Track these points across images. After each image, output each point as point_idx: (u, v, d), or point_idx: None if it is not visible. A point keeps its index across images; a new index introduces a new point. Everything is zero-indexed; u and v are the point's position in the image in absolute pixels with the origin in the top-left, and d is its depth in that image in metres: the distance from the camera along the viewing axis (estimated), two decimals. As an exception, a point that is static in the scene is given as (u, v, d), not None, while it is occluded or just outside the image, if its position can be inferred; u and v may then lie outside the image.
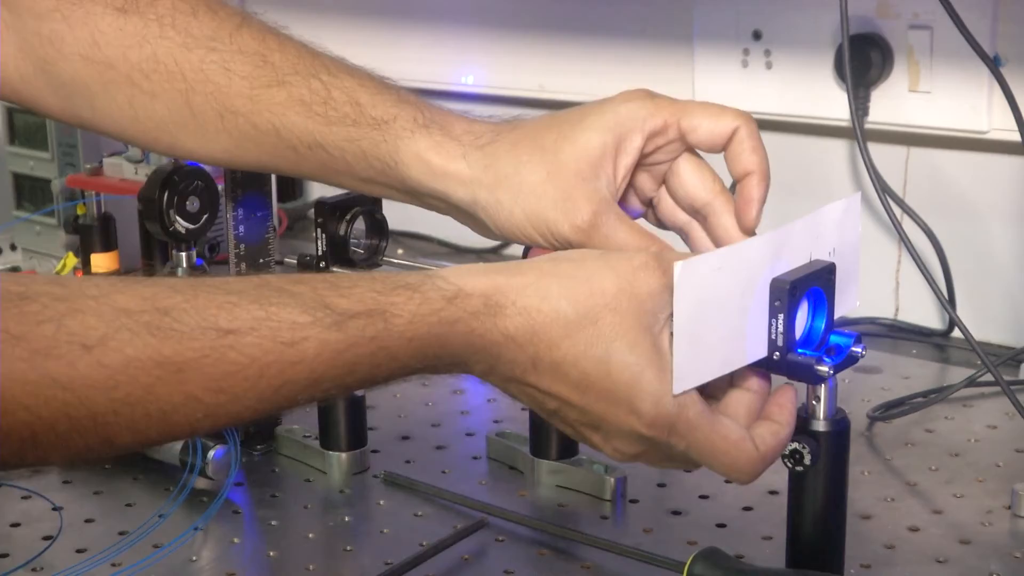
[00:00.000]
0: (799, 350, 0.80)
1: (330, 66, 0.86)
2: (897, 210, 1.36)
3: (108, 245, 1.44)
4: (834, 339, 0.82)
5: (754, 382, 0.78)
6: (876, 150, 1.34)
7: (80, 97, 0.90)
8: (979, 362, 1.18)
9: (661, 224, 0.87)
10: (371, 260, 1.06)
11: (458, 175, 0.82)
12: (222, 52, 0.86)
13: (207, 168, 1.22)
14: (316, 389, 0.68)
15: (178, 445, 1.08)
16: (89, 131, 0.95)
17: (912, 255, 1.31)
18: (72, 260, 1.49)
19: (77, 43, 0.88)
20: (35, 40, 0.89)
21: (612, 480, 1.05)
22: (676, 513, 1.03)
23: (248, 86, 0.86)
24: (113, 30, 0.87)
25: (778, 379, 0.78)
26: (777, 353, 0.79)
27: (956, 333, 1.36)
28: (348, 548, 1.00)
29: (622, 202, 0.83)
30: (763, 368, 0.80)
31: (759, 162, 0.81)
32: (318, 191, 1.85)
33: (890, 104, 1.36)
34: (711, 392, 0.77)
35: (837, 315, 0.83)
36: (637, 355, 0.71)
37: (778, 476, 1.04)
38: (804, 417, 0.83)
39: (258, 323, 0.65)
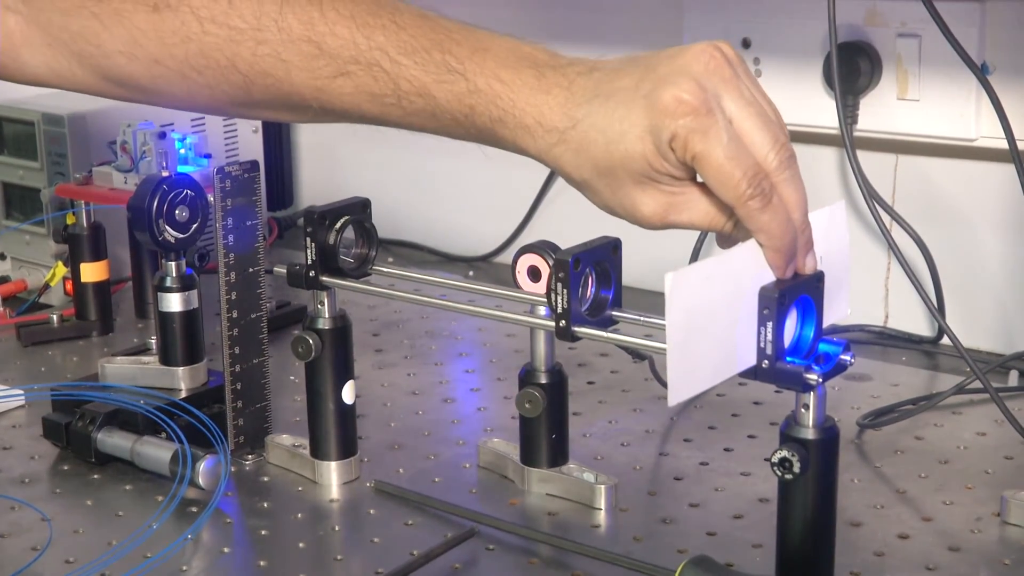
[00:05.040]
0: (788, 358, 0.80)
1: (387, 47, 0.83)
2: (886, 218, 1.36)
3: (98, 254, 1.45)
4: (823, 347, 0.82)
5: None
6: (865, 158, 1.35)
7: (130, 88, 0.90)
8: (968, 369, 1.18)
9: None
10: (360, 269, 1.06)
11: (555, 161, 0.82)
12: (272, 44, 0.84)
13: (197, 178, 1.22)
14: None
15: (167, 455, 1.08)
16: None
17: (901, 262, 1.31)
18: (62, 269, 1.49)
19: (115, 41, 0.87)
20: (65, 36, 0.88)
21: (602, 488, 1.05)
22: (666, 521, 1.03)
23: (310, 76, 0.84)
24: (151, 28, 0.86)
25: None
26: (766, 361, 0.80)
27: (945, 340, 1.37)
28: (338, 557, 1.00)
29: None
30: (752, 377, 0.81)
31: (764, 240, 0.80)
32: (309, 200, 1.85)
33: (879, 112, 1.36)
34: None
35: (829, 322, 0.83)
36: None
37: (768, 484, 1.04)
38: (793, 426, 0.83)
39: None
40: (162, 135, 1.38)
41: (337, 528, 1.05)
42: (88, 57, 0.88)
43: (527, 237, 1.64)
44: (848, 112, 1.35)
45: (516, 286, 1.02)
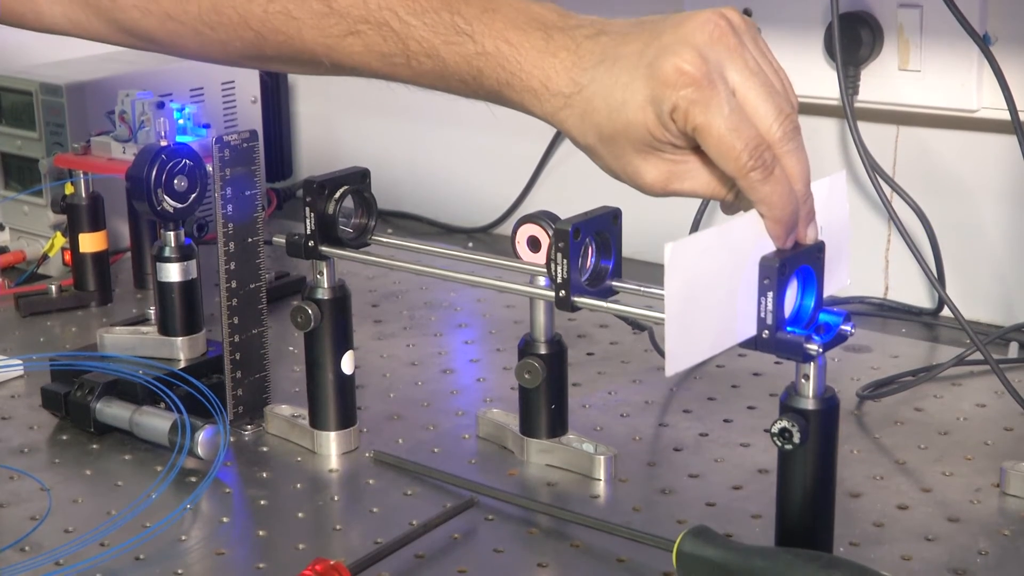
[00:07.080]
0: (788, 328, 0.80)
1: (396, 7, 0.83)
2: (887, 189, 1.36)
3: (96, 224, 1.44)
4: (823, 317, 0.82)
5: None
6: (866, 128, 1.34)
7: (145, 40, 0.91)
8: (968, 341, 1.18)
9: None
10: (360, 239, 1.06)
11: (560, 125, 0.82)
12: (283, 1, 0.85)
13: (195, 147, 1.21)
14: None
15: (166, 425, 1.08)
16: None
17: (902, 234, 1.31)
18: (60, 239, 1.49)
19: None
20: None
21: (602, 459, 1.05)
22: (665, 492, 1.04)
23: (320, 35, 0.85)
24: None
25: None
26: (766, 331, 0.79)
27: (945, 312, 1.36)
28: (337, 527, 1.00)
29: None
30: (752, 347, 0.81)
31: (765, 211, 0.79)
32: (308, 170, 1.85)
33: (880, 83, 1.36)
34: None
35: (828, 293, 0.83)
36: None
37: (767, 455, 1.04)
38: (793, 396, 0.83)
39: None
40: (160, 105, 1.38)
41: (336, 498, 1.05)
42: (104, 10, 0.90)
43: (527, 207, 1.64)
44: (849, 83, 1.34)
45: (516, 256, 1.02)
